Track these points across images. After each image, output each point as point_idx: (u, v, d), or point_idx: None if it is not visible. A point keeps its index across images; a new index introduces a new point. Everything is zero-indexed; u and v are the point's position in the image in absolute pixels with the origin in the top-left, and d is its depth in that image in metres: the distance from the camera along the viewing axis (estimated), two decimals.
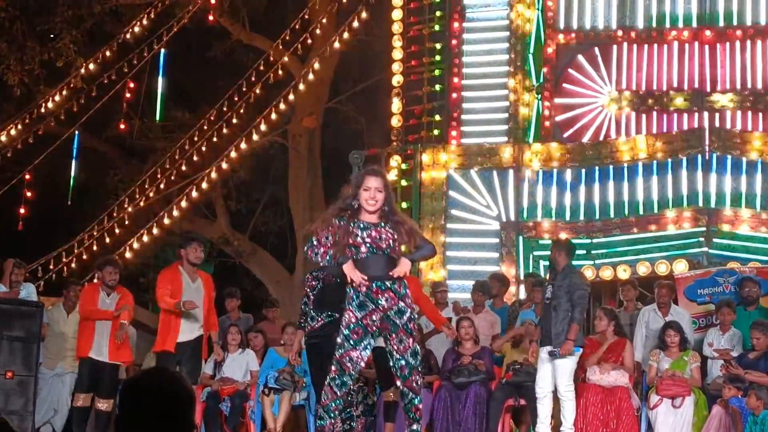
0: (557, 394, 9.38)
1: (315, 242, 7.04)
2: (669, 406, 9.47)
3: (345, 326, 6.95)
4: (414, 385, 6.96)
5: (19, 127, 15.26)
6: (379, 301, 6.88)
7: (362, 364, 7.03)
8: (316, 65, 15.36)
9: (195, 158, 15.10)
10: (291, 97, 15.34)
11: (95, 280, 10.51)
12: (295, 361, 9.77)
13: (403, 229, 6.98)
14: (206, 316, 9.62)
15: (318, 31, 15.40)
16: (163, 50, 15.11)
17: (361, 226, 6.93)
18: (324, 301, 8.65)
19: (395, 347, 6.90)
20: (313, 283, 8.83)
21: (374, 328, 6.91)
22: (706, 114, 13.77)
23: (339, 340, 6.98)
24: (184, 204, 15.37)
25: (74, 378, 10.32)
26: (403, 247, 7.15)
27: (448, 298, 11.72)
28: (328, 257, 7.01)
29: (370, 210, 6.95)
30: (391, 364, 6.99)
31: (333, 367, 6.96)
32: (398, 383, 7.05)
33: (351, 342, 6.88)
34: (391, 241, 6.93)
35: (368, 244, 6.90)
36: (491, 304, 11.79)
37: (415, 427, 7.08)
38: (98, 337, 9.88)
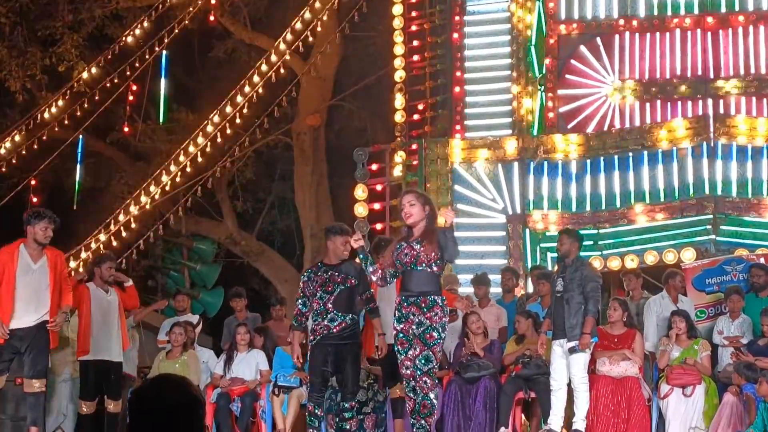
0: (571, 385, 9.32)
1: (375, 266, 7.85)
2: (680, 395, 9.44)
3: (395, 342, 7.73)
4: (423, 384, 7.56)
5: (23, 132, 15.27)
6: (408, 315, 7.60)
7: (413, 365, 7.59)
8: (318, 62, 15.33)
9: (199, 159, 15.09)
10: (294, 95, 15.31)
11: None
12: (298, 362, 9.55)
13: (430, 244, 7.58)
14: (53, 296, 8.69)
15: (319, 29, 15.37)
16: (164, 52, 15.10)
17: (401, 244, 7.67)
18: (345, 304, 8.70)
19: (409, 353, 7.58)
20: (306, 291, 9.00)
21: (413, 336, 7.60)
22: (710, 101, 13.72)
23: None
24: (189, 205, 15.35)
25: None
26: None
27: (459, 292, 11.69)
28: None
29: (407, 223, 7.68)
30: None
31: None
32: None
33: (401, 353, 7.65)
34: (419, 256, 7.57)
35: (400, 261, 7.66)
36: (501, 298, 11.77)
37: (422, 422, 7.60)
38: (102, 337, 9.48)
